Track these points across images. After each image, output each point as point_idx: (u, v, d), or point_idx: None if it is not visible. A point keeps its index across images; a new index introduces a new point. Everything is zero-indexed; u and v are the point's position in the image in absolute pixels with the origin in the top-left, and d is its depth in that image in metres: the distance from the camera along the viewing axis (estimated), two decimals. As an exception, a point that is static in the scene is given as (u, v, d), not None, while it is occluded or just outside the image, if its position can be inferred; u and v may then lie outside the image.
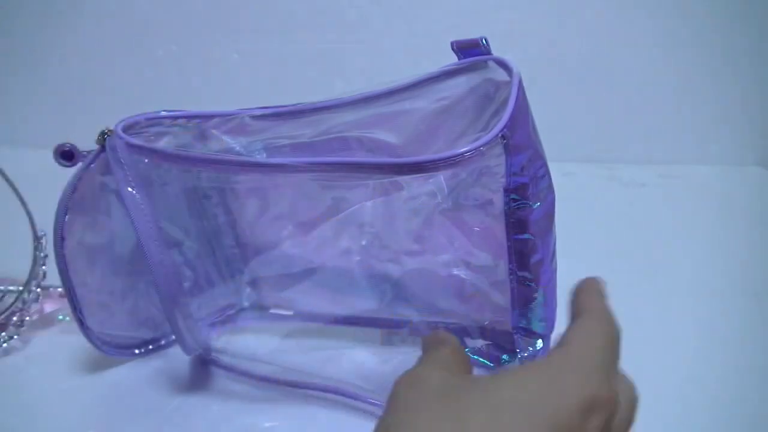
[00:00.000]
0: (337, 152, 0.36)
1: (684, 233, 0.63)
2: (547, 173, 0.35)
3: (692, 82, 0.78)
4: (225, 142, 0.38)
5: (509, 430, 0.19)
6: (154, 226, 0.35)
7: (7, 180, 0.42)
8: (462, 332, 0.41)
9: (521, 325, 0.37)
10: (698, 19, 0.75)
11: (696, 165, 0.80)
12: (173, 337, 0.42)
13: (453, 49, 0.36)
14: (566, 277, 0.52)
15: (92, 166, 0.37)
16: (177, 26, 0.79)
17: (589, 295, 0.27)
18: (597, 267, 0.55)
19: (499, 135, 0.31)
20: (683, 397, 0.39)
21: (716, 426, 0.37)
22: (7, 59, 0.81)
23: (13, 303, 0.43)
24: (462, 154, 0.31)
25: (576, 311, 0.26)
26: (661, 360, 0.43)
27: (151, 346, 0.42)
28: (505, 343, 0.40)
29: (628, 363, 0.42)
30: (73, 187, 0.37)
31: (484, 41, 0.35)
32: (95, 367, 0.41)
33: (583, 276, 0.56)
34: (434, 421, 0.20)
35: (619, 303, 0.49)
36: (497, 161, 0.33)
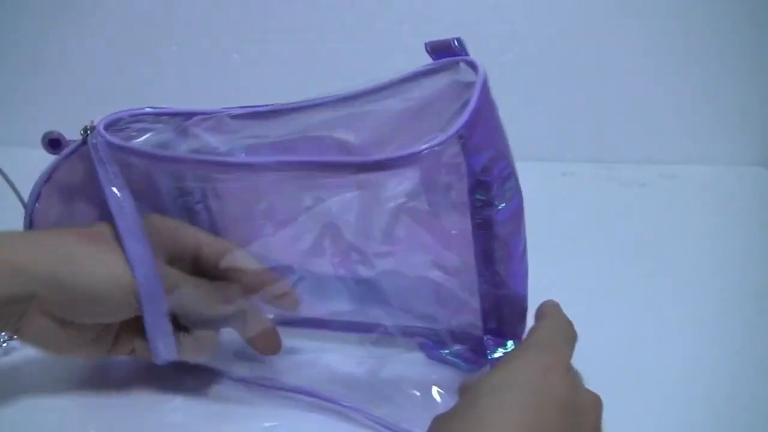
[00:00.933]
0: (311, 152, 0.37)
1: (684, 233, 0.63)
2: (513, 175, 0.35)
3: (692, 82, 0.78)
4: (203, 140, 0.38)
5: (509, 403, 0.27)
6: (136, 224, 0.35)
7: (7, 180, 0.42)
8: (436, 338, 0.41)
9: (491, 327, 0.37)
10: (698, 18, 0.75)
11: (696, 165, 0.80)
12: None
13: (426, 50, 0.36)
14: (566, 275, 0.52)
15: (72, 156, 0.37)
16: (177, 26, 0.79)
17: (549, 306, 0.36)
18: (596, 267, 0.55)
19: (457, 134, 0.31)
20: (682, 397, 0.39)
21: (715, 426, 0.37)
22: (7, 59, 0.81)
23: (13, 303, 0.43)
24: (418, 152, 0.31)
25: (540, 316, 0.35)
26: (660, 360, 0.43)
27: None
28: (478, 348, 0.40)
29: (628, 362, 0.42)
30: (47, 175, 0.37)
31: (455, 42, 0.35)
32: (96, 367, 0.41)
33: (582, 275, 0.56)
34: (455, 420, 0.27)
35: (619, 302, 0.49)
36: (458, 160, 0.33)
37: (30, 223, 0.38)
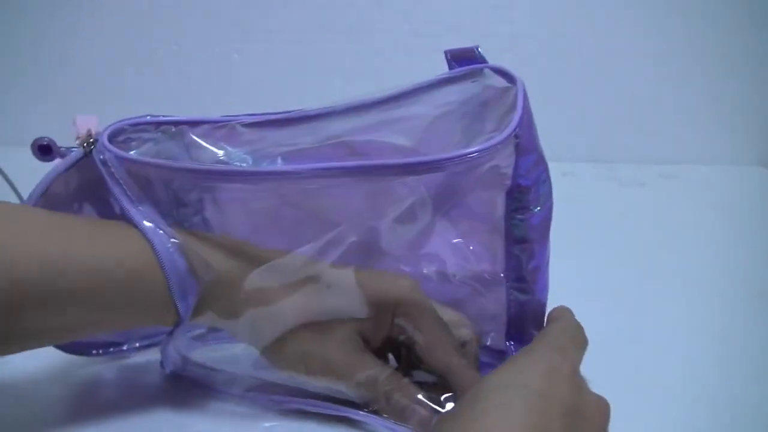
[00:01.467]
0: (345, 158, 0.36)
1: (684, 233, 0.63)
2: (548, 179, 0.35)
3: (692, 82, 0.78)
4: (212, 151, 0.36)
5: (511, 403, 0.26)
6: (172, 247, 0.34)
7: (7, 180, 0.42)
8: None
9: (514, 333, 0.37)
10: (698, 18, 0.75)
11: (696, 165, 0.80)
12: (137, 344, 0.41)
13: (447, 58, 0.36)
14: (566, 276, 0.52)
15: (71, 170, 0.36)
16: (177, 26, 0.79)
17: (561, 310, 0.36)
18: (597, 267, 0.55)
19: (513, 134, 0.31)
20: (684, 397, 0.39)
21: (717, 426, 0.37)
22: (7, 59, 0.81)
23: (13, 303, 0.43)
24: (477, 151, 0.31)
25: (550, 319, 0.36)
26: (662, 360, 0.43)
27: (111, 349, 0.41)
28: (498, 361, 0.39)
29: (627, 361, 0.42)
30: (44, 189, 0.36)
31: (477, 50, 0.35)
32: (96, 367, 0.41)
33: (582, 274, 0.56)
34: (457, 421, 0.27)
35: (619, 303, 0.49)
36: (507, 162, 0.33)
37: None
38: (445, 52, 0.36)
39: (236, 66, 0.80)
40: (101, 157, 0.34)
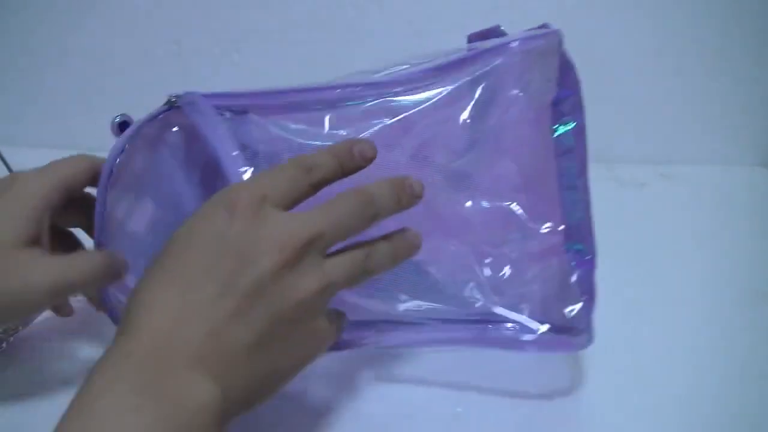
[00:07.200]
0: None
1: (684, 233, 0.63)
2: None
3: (692, 82, 0.78)
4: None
5: (182, 248, 0.27)
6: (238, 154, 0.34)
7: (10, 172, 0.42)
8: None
9: (575, 246, 0.37)
10: (698, 18, 0.75)
11: (696, 165, 0.80)
12: None
13: (471, 41, 0.38)
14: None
15: (159, 117, 0.37)
16: (177, 26, 0.79)
17: None
18: (596, 267, 0.55)
19: (558, 39, 0.35)
20: (684, 398, 0.39)
21: (717, 427, 0.37)
22: (6, 59, 0.81)
23: (13, 303, 0.43)
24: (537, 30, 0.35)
25: None
26: (662, 360, 0.43)
27: None
28: (561, 326, 0.39)
29: (627, 362, 0.42)
30: (134, 132, 0.37)
31: (500, 29, 0.38)
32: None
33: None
34: None
35: (619, 303, 0.49)
36: (553, 67, 0.35)
37: (110, 172, 0.36)
38: (469, 36, 0.38)
39: (236, 66, 0.80)
40: (189, 100, 0.36)
